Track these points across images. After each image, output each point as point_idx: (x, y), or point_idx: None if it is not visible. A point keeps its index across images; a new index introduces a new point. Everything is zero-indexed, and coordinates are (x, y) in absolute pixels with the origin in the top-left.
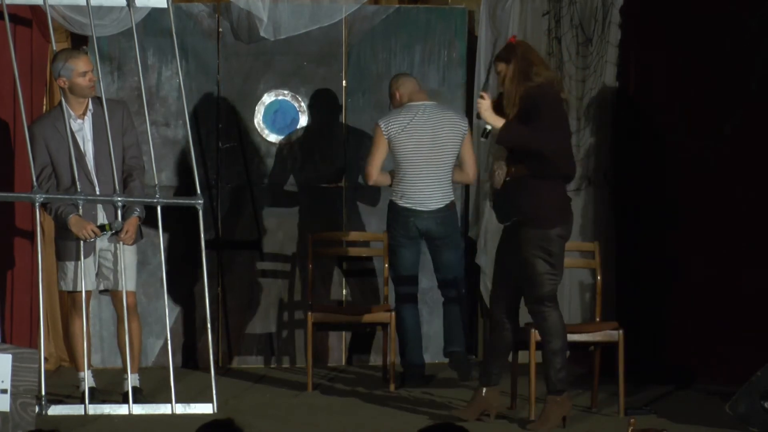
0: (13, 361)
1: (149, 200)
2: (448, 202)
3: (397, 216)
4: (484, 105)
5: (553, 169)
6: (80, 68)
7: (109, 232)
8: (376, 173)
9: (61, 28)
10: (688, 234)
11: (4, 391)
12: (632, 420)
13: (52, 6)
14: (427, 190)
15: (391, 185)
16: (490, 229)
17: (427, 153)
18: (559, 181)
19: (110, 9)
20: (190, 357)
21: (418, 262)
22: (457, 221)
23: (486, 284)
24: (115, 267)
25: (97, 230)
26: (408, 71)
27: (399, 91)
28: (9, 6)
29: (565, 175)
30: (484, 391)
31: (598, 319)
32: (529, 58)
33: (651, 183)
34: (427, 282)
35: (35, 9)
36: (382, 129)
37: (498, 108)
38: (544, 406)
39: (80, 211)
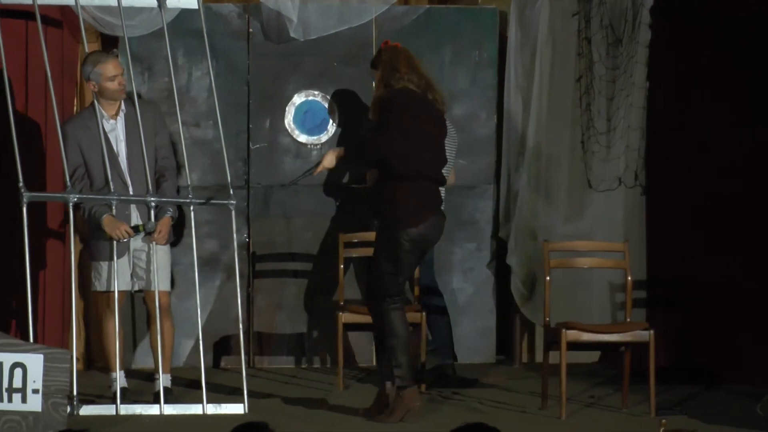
0: (45, 361)
1: (182, 200)
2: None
3: None
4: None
5: (398, 170)
6: (109, 72)
7: (143, 233)
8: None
9: (91, 29)
10: (718, 234)
11: (36, 391)
12: (663, 421)
13: (82, 7)
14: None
15: None
16: (520, 229)
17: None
18: (418, 182)
19: (140, 10)
20: (221, 357)
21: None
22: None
23: (517, 284)
24: (149, 267)
25: (130, 231)
26: (438, 72)
27: None
28: (40, 6)
29: (422, 176)
30: (406, 392)
31: (628, 320)
32: (394, 64)
33: (681, 183)
34: (457, 282)
35: (65, 10)
36: None
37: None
38: (393, 398)
39: (113, 211)
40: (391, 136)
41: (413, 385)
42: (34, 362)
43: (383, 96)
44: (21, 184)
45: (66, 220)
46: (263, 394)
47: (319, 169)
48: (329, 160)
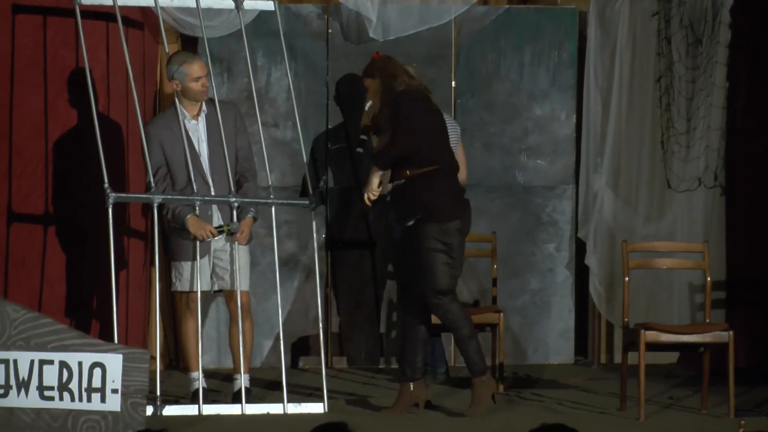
0: (124, 361)
1: (264, 201)
2: None
3: None
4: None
5: (432, 164)
6: (194, 73)
7: (226, 233)
8: None
9: (171, 30)
10: None
11: (115, 391)
12: (742, 422)
13: (163, 8)
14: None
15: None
16: (599, 230)
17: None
18: (450, 176)
19: (220, 11)
20: (299, 358)
21: None
22: None
23: (595, 285)
24: (230, 267)
25: (215, 231)
26: (517, 72)
27: None
28: (120, 8)
29: (455, 168)
30: (411, 386)
31: (707, 320)
32: (391, 71)
33: (761, 184)
34: (536, 283)
35: (146, 11)
36: None
37: (375, 123)
38: (472, 389)
39: (197, 212)
40: (417, 131)
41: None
42: (113, 362)
43: (396, 99)
44: (106, 185)
45: (150, 221)
46: (342, 395)
47: (371, 196)
48: (372, 188)
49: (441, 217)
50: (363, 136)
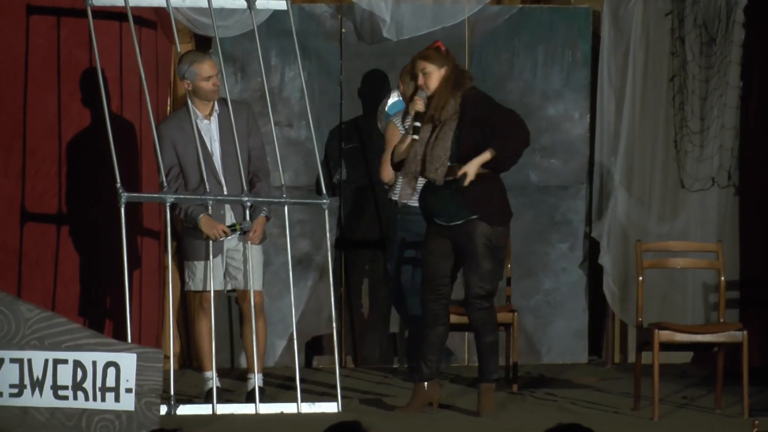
0: (138, 360)
1: (277, 200)
2: None
3: (406, 216)
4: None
5: (507, 166)
6: (205, 72)
7: (239, 233)
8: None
9: (184, 30)
10: None
11: (129, 391)
12: (756, 422)
13: (176, 8)
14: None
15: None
16: (613, 229)
17: None
18: (500, 178)
19: (233, 11)
20: (313, 357)
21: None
22: None
23: (609, 284)
24: (244, 267)
25: (227, 230)
26: (531, 71)
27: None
28: (134, 8)
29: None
30: (426, 385)
31: (721, 320)
32: (461, 67)
33: None
34: (550, 283)
35: (160, 11)
36: (398, 126)
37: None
38: (481, 394)
39: (209, 211)
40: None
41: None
42: (127, 361)
43: (474, 96)
44: (119, 185)
45: (162, 220)
46: (356, 394)
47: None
48: (473, 172)
49: (495, 220)
50: (417, 123)
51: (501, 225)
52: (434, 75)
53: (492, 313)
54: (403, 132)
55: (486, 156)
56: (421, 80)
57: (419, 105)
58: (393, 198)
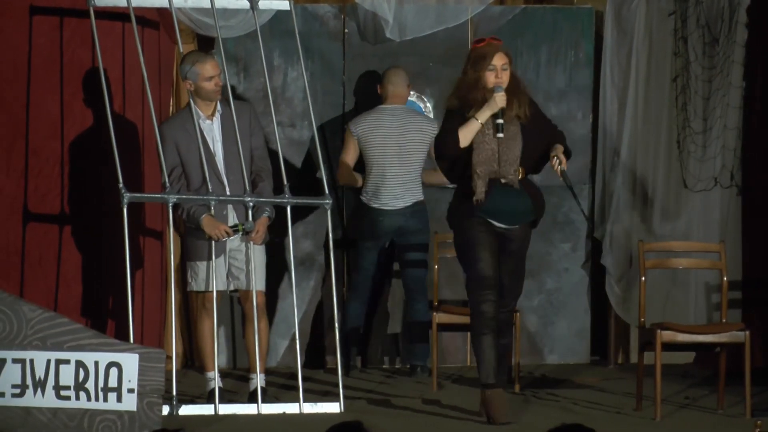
0: (140, 360)
1: (279, 200)
2: (416, 200)
3: (366, 216)
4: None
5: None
6: (207, 73)
7: (241, 233)
8: (346, 174)
9: (187, 30)
10: None
11: (131, 391)
12: (758, 422)
13: (178, 8)
14: (396, 191)
15: (361, 186)
16: (615, 230)
17: (395, 155)
18: None
19: (236, 11)
20: (316, 357)
21: (377, 262)
22: (427, 220)
23: (611, 285)
24: (246, 267)
25: (230, 231)
26: (534, 71)
27: (385, 86)
28: (136, 9)
29: None
30: (496, 392)
31: (723, 320)
32: None
33: None
34: (552, 283)
35: (163, 11)
36: (352, 131)
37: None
38: (491, 400)
39: (212, 211)
40: None
41: None
42: (130, 362)
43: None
44: (121, 185)
45: (165, 221)
46: (358, 394)
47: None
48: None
49: (536, 224)
50: (499, 120)
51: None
52: (509, 71)
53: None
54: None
55: (561, 149)
56: (500, 75)
57: (504, 101)
58: (365, 201)
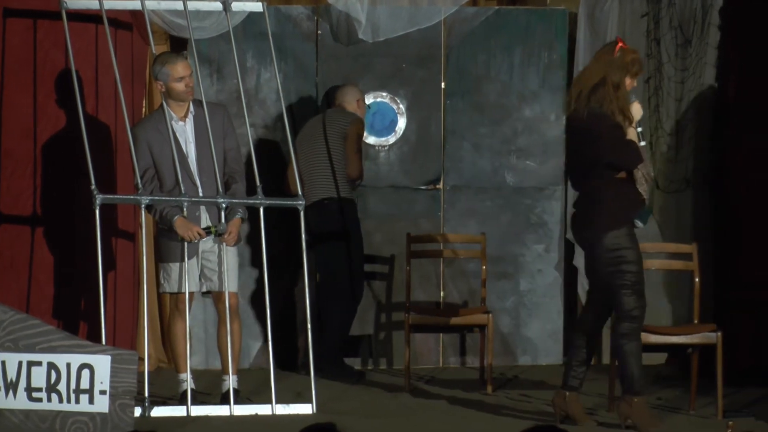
0: (112, 362)
1: (252, 201)
2: (324, 198)
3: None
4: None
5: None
6: (177, 73)
7: (214, 235)
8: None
9: (160, 31)
10: None
11: (103, 393)
12: (730, 423)
13: (151, 10)
14: (307, 187)
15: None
16: None
17: (308, 151)
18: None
19: (209, 12)
20: (289, 358)
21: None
22: (339, 218)
23: (584, 286)
24: (219, 268)
25: (202, 232)
26: (507, 73)
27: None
28: (109, 11)
29: None
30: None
31: (696, 321)
32: None
33: (751, 184)
34: (525, 284)
35: (136, 13)
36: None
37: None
38: (643, 407)
39: (185, 213)
40: None
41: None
42: (102, 363)
43: None
44: (93, 187)
45: (137, 222)
46: (330, 395)
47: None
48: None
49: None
50: (640, 128)
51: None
52: None
53: None
54: None
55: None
56: (633, 84)
57: (637, 112)
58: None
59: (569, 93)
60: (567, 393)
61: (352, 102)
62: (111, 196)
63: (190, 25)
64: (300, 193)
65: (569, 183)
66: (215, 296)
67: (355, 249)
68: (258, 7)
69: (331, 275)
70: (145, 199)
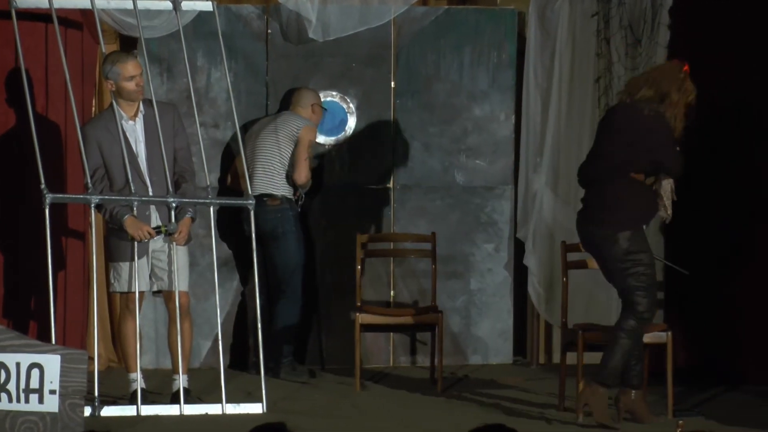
0: (62, 362)
1: (202, 201)
2: (263, 194)
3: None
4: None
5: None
6: (127, 72)
7: (164, 234)
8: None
9: (110, 30)
10: (737, 233)
11: (53, 392)
12: (680, 422)
13: (101, 9)
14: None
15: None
16: (538, 230)
17: (254, 147)
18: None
19: (160, 11)
20: (239, 358)
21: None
22: (278, 216)
23: (534, 285)
24: (169, 268)
25: (152, 232)
26: (457, 72)
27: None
28: (59, 10)
29: None
30: (632, 393)
31: None
32: None
33: (699, 182)
34: (476, 283)
35: (86, 12)
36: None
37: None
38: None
39: (135, 212)
40: None
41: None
42: (52, 363)
43: None
44: (43, 186)
45: (87, 221)
46: (281, 395)
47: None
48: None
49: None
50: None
51: None
52: None
53: None
54: None
55: None
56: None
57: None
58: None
59: (629, 85)
60: (633, 392)
61: (307, 106)
62: (61, 195)
63: (140, 25)
64: (248, 190)
65: (578, 178)
66: (166, 295)
67: (296, 248)
68: (208, 6)
69: (277, 274)
70: (95, 199)
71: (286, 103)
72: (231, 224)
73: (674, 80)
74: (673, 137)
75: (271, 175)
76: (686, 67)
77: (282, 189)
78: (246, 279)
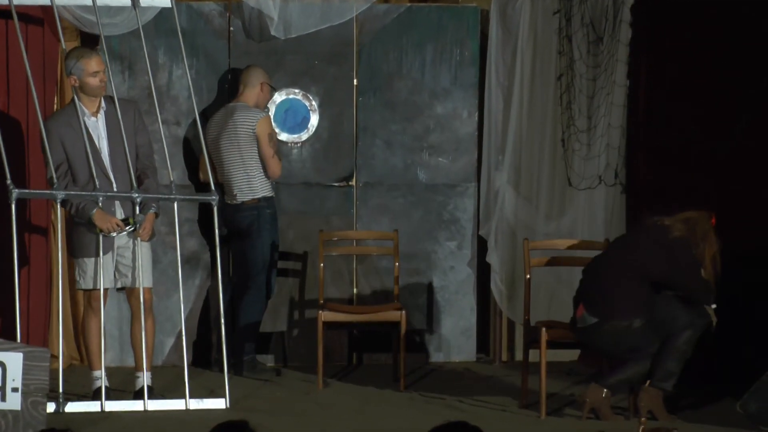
0: (24, 359)
1: (166, 196)
2: (243, 200)
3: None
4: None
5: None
6: (91, 68)
7: (132, 227)
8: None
9: (71, 27)
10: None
11: (15, 390)
12: (643, 420)
13: (62, 6)
14: (226, 188)
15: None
16: (501, 228)
17: (221, 149)
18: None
19: (121, 8)
20: (202, 355)
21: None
22: (254, 214)
23: (497, 283)
24: (133, 264)
25: (121, 224)
26: (419, 70)
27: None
28: (20, 6)
29: None
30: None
31: None
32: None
33: (660, 181)
34: (438, 281)
35: (47, 9)
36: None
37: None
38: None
39: (101, 207)
40: None
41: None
42: (14, 360)
43: None
44: (9, 182)
45: (50, 217)
46: (244, 392)
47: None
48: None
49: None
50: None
51: None
52: None
53: None
54: None
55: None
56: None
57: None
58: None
59: (673, 219)
60: (604, 390)
61: (256, 85)
62: (27, 191)
63: (101, 22)
64: (212, 181)
65: (585, 270)
66: (129, 292)
67: (268, 247)
68: (166, 2)
69: (243, 271)
70: (61, 194)
71: (236, 83)
72: (202, 220)
73: (703, 228)
74: (698, 267)
75: (247, 180)
76: (713, 220)
77: (261, 190)
78: (213, 275)
